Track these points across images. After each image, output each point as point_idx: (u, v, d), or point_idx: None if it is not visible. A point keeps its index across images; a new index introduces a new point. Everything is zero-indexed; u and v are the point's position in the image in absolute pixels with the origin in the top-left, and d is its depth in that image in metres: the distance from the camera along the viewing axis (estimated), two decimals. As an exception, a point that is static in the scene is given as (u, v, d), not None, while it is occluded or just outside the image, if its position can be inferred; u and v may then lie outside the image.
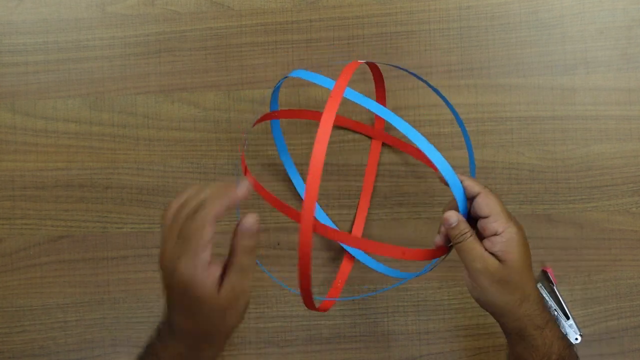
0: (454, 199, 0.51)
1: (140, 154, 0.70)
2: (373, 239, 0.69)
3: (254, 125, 0.63)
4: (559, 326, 0.53)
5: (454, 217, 0.50)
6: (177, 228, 0.44)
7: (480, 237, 0.50)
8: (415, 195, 0.70)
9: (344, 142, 0.70)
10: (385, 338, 0.69)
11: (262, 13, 0.70)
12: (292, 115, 0.68)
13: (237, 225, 0.45)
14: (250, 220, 0.45)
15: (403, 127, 0.48)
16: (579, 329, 0.67)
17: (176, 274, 0.43)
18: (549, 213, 0.69)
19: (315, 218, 0.45)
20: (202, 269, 0.42)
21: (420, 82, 0.59)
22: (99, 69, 0.71)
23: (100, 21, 0.71)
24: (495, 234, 0.49)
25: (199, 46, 0.70)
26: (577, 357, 0.53)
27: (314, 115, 0.65)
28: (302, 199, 0.57)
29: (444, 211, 0.51)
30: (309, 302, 0.49)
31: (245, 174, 0.60)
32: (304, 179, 0.69)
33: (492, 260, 0.49)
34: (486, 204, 0.49)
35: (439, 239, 0.52)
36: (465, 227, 0.50)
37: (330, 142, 0.67)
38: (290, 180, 0.69)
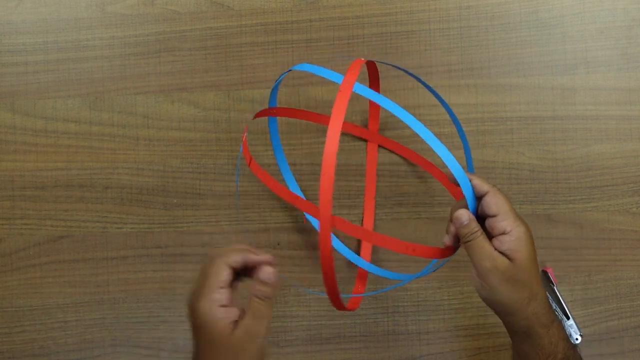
0: (462, 199, 0.51)
1: (140, 154, 0.70)
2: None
3: (254, 118, 0.63)
4: (563, 326, 0.53)
5: (465, 215, 0.50)
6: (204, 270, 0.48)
7: (488, 236, 0.50)
8: (415, 195, 0.70)
9: (344, 142, 0.70)
10: (385, 338, 0.69)
11: (262, 13, 0.70)
12: (294, 114, 0.68)
13: (257, 272, 0.48)
14: (268, 270, 0.48)
15: (415, 125, 0.48)
16: (579, 329, 0.67)
17: (194, 311, 0.47)
18: (549, 213, 0.69)
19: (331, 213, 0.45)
20: (217, 308, 0.46)
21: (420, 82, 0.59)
22: (98, 69, 0.71)
23: (100, 21, 0.71)
24: (504, 233, 0.49)
25: (198, 46, 0.70)
26: (581, 357, 0.53)
27: (317, 118, 0.65)
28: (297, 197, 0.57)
29: (452, 210, 0.52)
30: (336, 301, 0.49)
31: (249, 164, 0.60)
32: (302, 179, 0.69)
33: (501, 259, 0.49)
34: (494, 202, 0.50)
35: (448, 239, 0.52)
36: (475, 225, 0.50)
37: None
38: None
